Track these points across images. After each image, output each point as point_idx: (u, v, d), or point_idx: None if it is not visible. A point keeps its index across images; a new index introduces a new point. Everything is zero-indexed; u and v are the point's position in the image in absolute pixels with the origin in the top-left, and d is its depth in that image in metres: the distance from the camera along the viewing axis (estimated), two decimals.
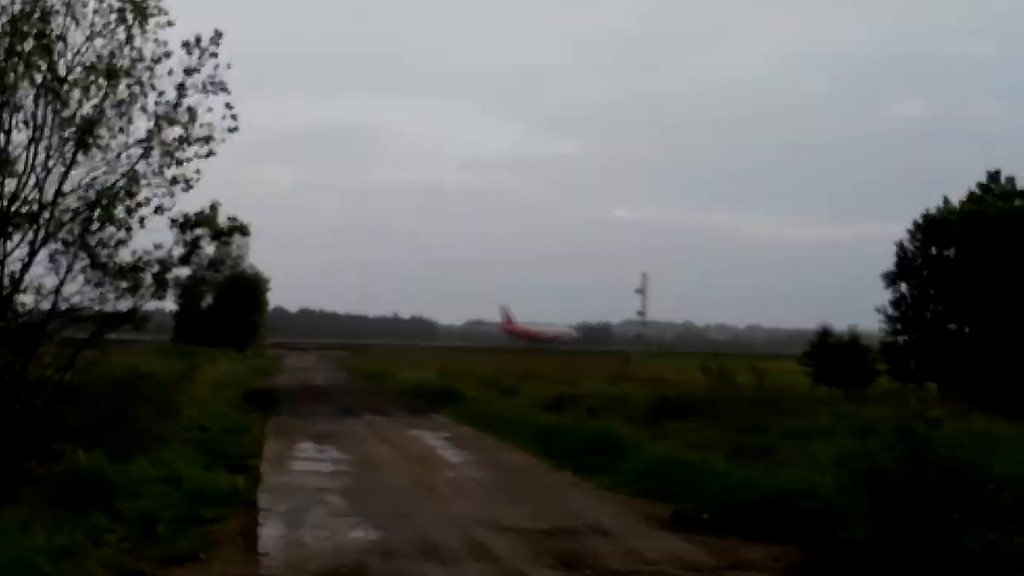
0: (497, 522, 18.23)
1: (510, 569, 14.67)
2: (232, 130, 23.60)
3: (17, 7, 22.40)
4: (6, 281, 22.45)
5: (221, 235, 24.01)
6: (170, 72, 23.44)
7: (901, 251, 48.82)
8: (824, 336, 52.83)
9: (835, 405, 36.14)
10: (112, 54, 23.07)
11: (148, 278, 23.29)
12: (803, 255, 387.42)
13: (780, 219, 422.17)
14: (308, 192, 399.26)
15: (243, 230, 24.62)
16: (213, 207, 23.89)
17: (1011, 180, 49.12)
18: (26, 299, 22.99)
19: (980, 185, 48.99)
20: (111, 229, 23.19)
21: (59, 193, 22.70)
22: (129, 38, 23.16)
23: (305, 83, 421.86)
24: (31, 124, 22.58)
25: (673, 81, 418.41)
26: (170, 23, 23.44)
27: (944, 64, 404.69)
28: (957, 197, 49.00)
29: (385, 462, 26.41)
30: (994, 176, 49.34)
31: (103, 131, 23.01)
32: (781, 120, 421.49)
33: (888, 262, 49.13)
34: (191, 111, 23.50)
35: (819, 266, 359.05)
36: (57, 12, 22.59)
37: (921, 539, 13.92)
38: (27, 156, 22.57)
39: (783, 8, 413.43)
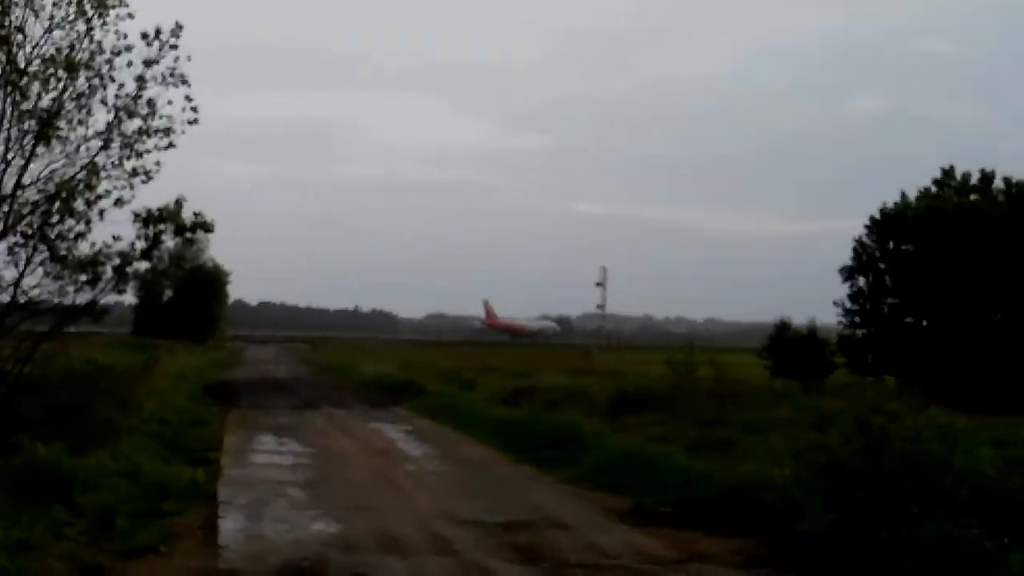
0: (457, 515, 18.28)
1: (470, 562, 14.71)
2: (192, 122, 23.51)
3: None
4: None
5: (185, 231, 23.90)
6: (130, 64, 23.33)
7: (859, 245, 49.14)
8: (782, 329, 53.00)
9: (793, 398, 36.34)
10: (71, 46, 22.93)
11: (108, 271, 23.15)
12: (762, 249, 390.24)
13: (740, 213, 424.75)
14: (271, 186, 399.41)
15: (207, 226, 24.50)
16: (178, 202, 23.77)
17: (967, 176, 49.53)
18: None
19: (935, 181, 49.39)
20: (71, 222, 23.05)
21: (18, 185, 22.53)
22: (88, 30, 23.01)
23: (269, 77, 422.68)
24: None
25: (636, 77, 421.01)
26: (130, 15, 23.30)
27: (904, 61, 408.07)
28: (916, 192, 49.41)
29: (346, 455, 26.40)
30: (949, 172, 49.73)
31: (63, 123, 22.90)
32: (742, 116, 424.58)
33: (846, 256, 49.47)
34: (151, 103, 23.39)
35: (778, 260, 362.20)
36: (16, 4, 22.43)
37: (879, 532, 14.04)
38: None
39: (746, 5, 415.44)
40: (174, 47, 23.33)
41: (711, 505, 18.70)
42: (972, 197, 47.13)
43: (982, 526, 13.32)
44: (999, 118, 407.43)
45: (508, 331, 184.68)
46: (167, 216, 23.49)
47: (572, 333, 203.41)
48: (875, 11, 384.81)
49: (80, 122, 23.21)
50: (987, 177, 49.24)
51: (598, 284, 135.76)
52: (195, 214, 24.13)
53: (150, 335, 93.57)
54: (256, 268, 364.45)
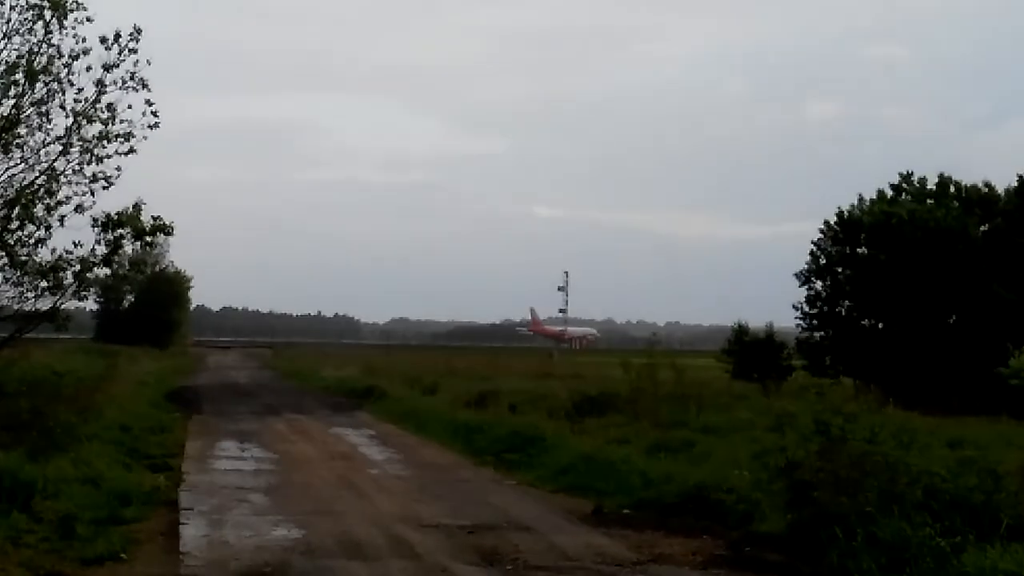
0: (419, 519, 18.33)
1: (432, 565, 14.77)
2: (153, 127, 23.53)
3: None
4: None
5: (144, 235, 23.85)
6: (89, 68, 23.35)
7: (816, 249, 49.52)
8: (740, 333, 53.35)
9: (753, 400, 36.56)
10: (30, 51, 22.92)
11: (69, 277, 23.12)
12: (723, 252, 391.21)
13: (700, 217, 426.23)
14: (230, 190, 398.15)
15: (166, 229, 24.45)
16: (136, 206, 23.72)
17: (923, 181, 50.01)
18: None
19: (893, 186, 49.84)
20: (31, 228, 23.03)
21: None
22: (47, 34, 23.02)
23: (226, 81, 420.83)
24: None
25: (595, 81, 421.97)
26: (88, 19, 23.32)
27: (859, 66, 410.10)
28: (872, 197, 49.84)
29: (308, 460, 26.39)
30: (906, 177, 50.18)
31: (22, 129, 22.86)
32: (700, 120, 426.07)
33: (805, 260, 49.84)
34: (111, 108, 23.41)
35: (738, 263, 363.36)
36: None
37: (836, 531, 14.17)
38: None
39: (702, 10, 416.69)
40: (134, 51, 23.36)
41: (671, 506, 18.90)
42: (928, 202, 47.53)
43: (936, 525, 13.47)
44: (951, 123, 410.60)
45: (551, 337, 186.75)
46: (126, 220, 23.45)
47: (534, 337, 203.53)
48: (830, 17, 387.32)
49: (39, 127, 23.21)
50: (943, 182, 49.72)
51: (560, 288, 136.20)
52: (154, 218, 24.09)
53: (111, 341, 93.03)
54: (218, 273, 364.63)
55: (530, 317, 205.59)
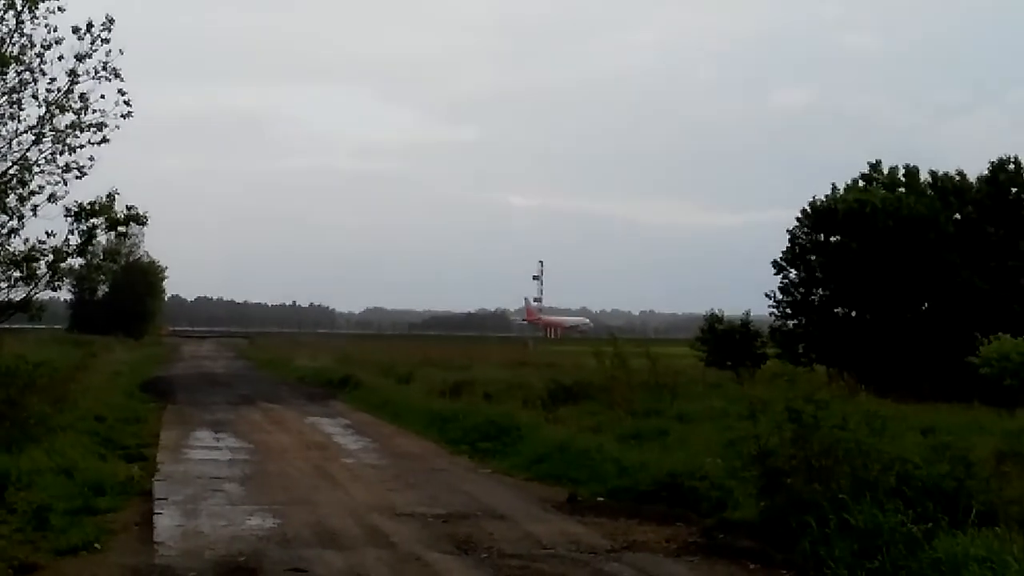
0: (394, 508, 18.35)
1: (407, 554, 14.79)
2: (126, 116, 23.43)
3: None
4: None
5: (118, 224, 23.74)
6: (61, 58, 23.23)
7: (791, 238, 49.68)
8: (714, 321, 53.47)
9: (726, 388, 36.71)
10: (1, 40, 22.81)
11: (42, 267, 23.01)
12: (697, 241, 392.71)
13: (674, 206, 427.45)
14: (205, 179, 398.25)
15: (140, 219, 24.35)
16: (110, 196, 23.60)
17: (893, 170, 50.23)
18: None
19: (863, 175, 50.01)
20: (3, 217, 22.91)
21: None
22: (18, 24, 22.91)
23: (200, 70, 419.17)
24: None
25: (568, 70, 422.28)
26: (60, 8, 23.20)
27: (827, 55, 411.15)
28: (845, 185, 50.05)
29: (283, 450, 26.37)
30: (876, 166, 50.39)
31: None
32: (673, 108, 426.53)
33: (778, 248, 50.00)
34: (83, 97, 23.29)
35: (713, 252, 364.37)
36: None
37: (809, 518, 14.24)
38: None
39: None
40: (106, 41, 23.23)
41: (645, 494, 18.97)
42: (899, 191, 47.74)
43: (908, 512, 13.54)
44: (920, 112, 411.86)
45: (546, 327, 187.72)
46: (100, 210, 23.33)
47: (509, 326, 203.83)
48: (799, 5, 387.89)
49: (12, 117, 23.09)
50: (912, 171, 49.96)
51: (535, 277, 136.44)
52: (128, 207, 23.96)
53: (86, 331, 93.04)
54: (193, 263, 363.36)
55: (524, 306, 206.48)
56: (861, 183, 49.90)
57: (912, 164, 50.68)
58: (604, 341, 36.50)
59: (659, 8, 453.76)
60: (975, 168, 49.82)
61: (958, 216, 48.47)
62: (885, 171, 50.53)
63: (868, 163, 50.78)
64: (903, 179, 50.04)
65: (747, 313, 53.82)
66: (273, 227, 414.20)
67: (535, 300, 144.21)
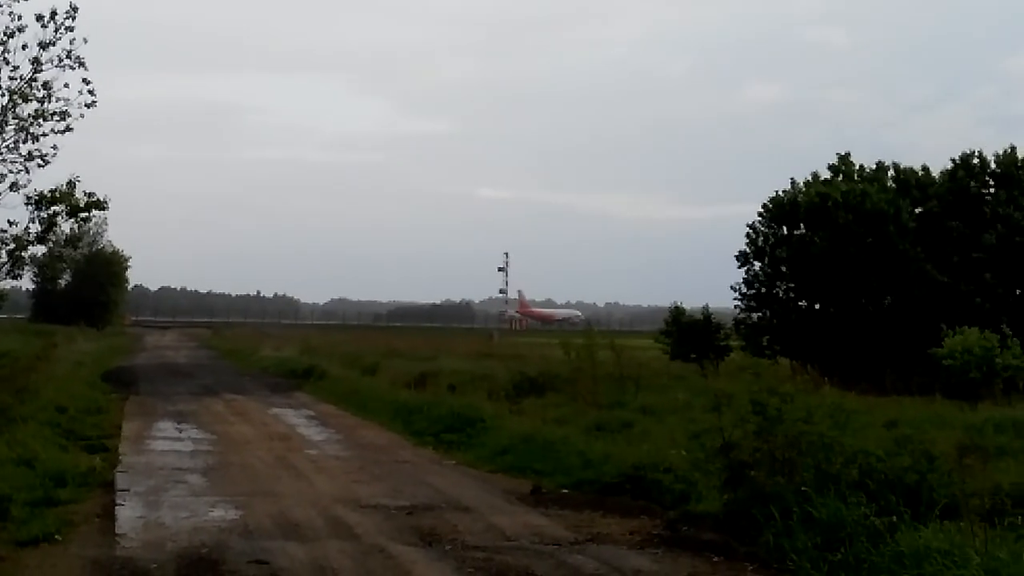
0: (358, 499, 18.32)
1: (371, 546, 14.75)
2: (90, 105, 23.34)
3: None
4: None
5: (79, 211, 23.65)
6: (24, 46, 23.12)
7: (753, 231, 49.78)
8: (678, 314, 53.49)
9: (690, 381, 36.80)
10: None
11: (3, 256, 22.92)
12: (662, 233, 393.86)
13: (640, 198, 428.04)
14: (171, 169, 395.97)
15: (101, 205, 24.27)
16: (70, 183, 23.52)
17: (859, 167, 50.41)
18: None
19: (831, 167, 50.13)
20: None
21: None
22: None
23: (168, 59, 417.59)
24: None
25: (539, 63, 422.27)
26: None
27: (798, 49, 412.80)
28: (805, 179, 50.16)
29: (246, 441, 26.29)
30: (845, 158, 50.52)
31: None
32: (642, 102, 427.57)
33: (743, 241, 50.09)
34: (47, 86, 23.21)
35: (677, 244, 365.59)
36: None
37: (772, 511, 14.27)
38: None
39: None
40: (70, 29, 23.15)
41: (609, 486, 19.02)
42: (861, 186, 47.88)
43: (871, 505, 13.59)
44: (890, 106, 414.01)
45: (538, 319, 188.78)
46: (60, 197, 23.26)
47: (474, 317, 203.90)
48: (770, 1, 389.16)
49: None
50: (880, 165, 50.15)
51: (500, 269, 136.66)
52: (87, 194, 23.90)
53: (48, 321, 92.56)
54: (156, 253, 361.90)
55: (517, 298, 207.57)
56: (829, 175, 49.98)
57: (877, 159, 50.94)
58: (575, 333, 36.56)
59: (633, 3, 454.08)
60: (944, 163, 50.07)
61: (920, 210, 48.66)
62: (855, 164, 50.67)
63: (837, 155, 50.82)
64: (870, 172, 50.18)
65: (706, 306, 53.89)
66: (239, 217, 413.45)
67: (500, 291, 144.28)
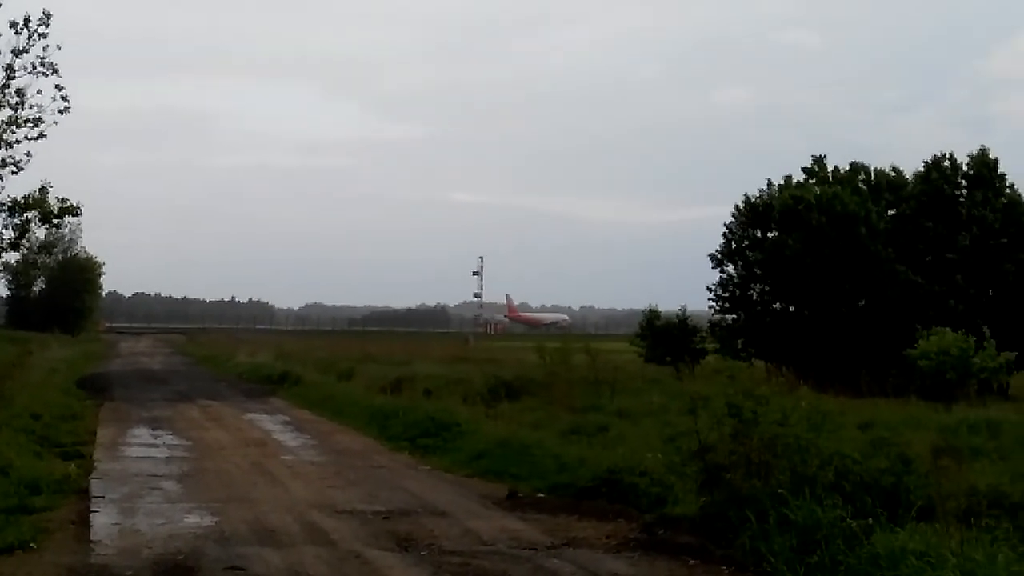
0: (334, 505, 18.28)
1: (347, 552, 14.72)
2: (63, 112, 23.28)
3: None
4: None
5: (52, 217, 23.60)
6: None
7: (728, 232, 49.90)
8: (653, 317, 53.57)
9: (666, 384, 36.84)
10: None
11: None
12: (636, 236, 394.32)
13: (614, 202, 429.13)
14: (144, 175, 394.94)
15: (74, 211, 24.23)
16: (43, 189, 23.47)
17: (834, 168, 50.63)
18: None
19: (805, 169, 50.32)
20: None
21: None
22: None
23: (140, 66, 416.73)
24: None
25: (510, 66, 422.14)
26: None
27: (770, 52, 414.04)
28: (780, 181, 50.35)
29: (221, 447, 26.21)
30: (819, 160, 50.73)
31: None
32: (614, 105, 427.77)
33: (717, 244, 50.22)
34: (20, 93, 23.15)
35: (652, 247, 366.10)
36: None
37: (748, 514, 14.29)
38: None
39: None
40: (43, 36, 23.11)
41: (585, 490, 19.00)
42: (835, 188, 48.07)
43: (847, 507, 13.63)
44: (865, 109, 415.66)
45: (526, 323, 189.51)
46: (33, 203, 23.20)
47: (449, 322, 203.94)
48: (742, 3, 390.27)
49: None
50: (854, 166, 50.36)
51: (475, 273, 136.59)
52: (60, 200, 23.88)
53: (21, 327, 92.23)
54: (130, 259, 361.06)
55: (507, 303, 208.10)
56: (803, 178, 50.19)
57: (852, 160, 51.19)
58: (547, 337, 36.59)
59: (602, 6, 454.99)
60: (917, 165, 50.34)
61: (893, 212, 48.88)
62: (829, 167, 50.89)
63: (811, 157, 51.12)
64: (844, 174, 50.40)
65: (683, 308, 54.00)
66: (212, 223, 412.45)
67: (475, 295, 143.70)
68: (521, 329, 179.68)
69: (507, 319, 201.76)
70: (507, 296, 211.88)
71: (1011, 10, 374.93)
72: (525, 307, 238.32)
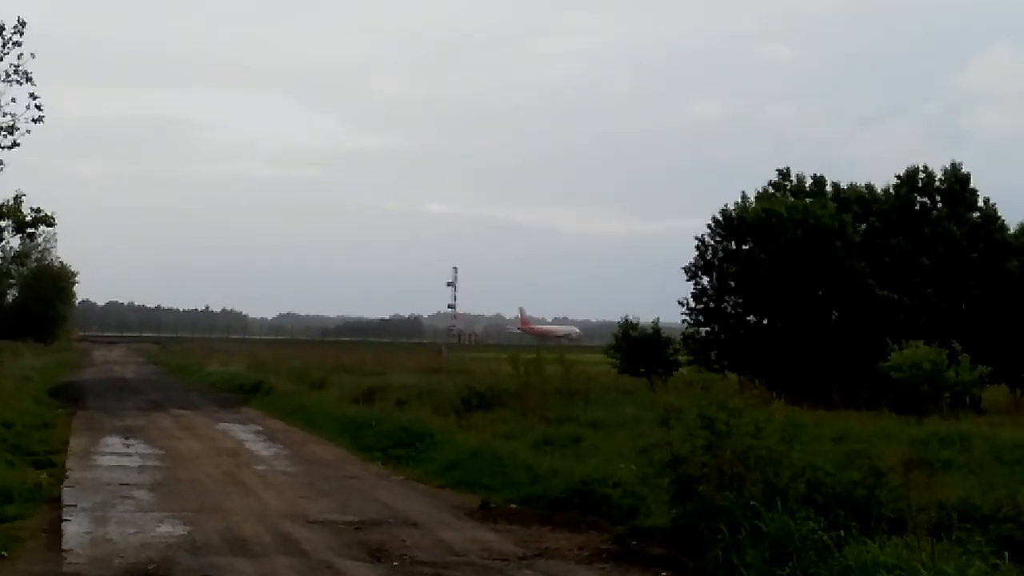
0: (306, 515, 18.25)
1: (319, 562, 14.70)
2: (37, 120, 23.22)
3: None
4: None
5: (25, 226, 23.51)
6: None
7: (701, 245, 49.99)
8: (627, 328, 53.61)
9: (639, 395, 36.88)
10: None
11: None
12: (611, 248, 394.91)
13: (589, 213, 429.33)
14: (118, 184, 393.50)
15: (48, 221, 24.15)
16: (16, 198, 23.39)
17: (800, 178, 50.84)
18: None
19: (772, 183, 50.51)
20: None
21: None
22: None
23: (114, 75, 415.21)
24: None
25: (485, 78, 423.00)
26: None
27: (743, 65, 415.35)
28: (756, 193, 50.51)
29: (194, 456, 26.14)
30: (785, 173, 50.94)
31: None
32: (589, 117, 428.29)
33: (691, 256, 50.29)
34: None
35: (626, 259, 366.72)
36: None
37: (720, 526, 14.32)
38: None
39: (589, 7, 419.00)
40: (17, 44, 23.04)
41: (558, 501, 19.01)
42: (806, 200, 48.25)
43: (820, 519, 13.67)
44: (835, 122, 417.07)
45: (538, 335, 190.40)
46: (7, 212, 23.11)
47: (423, 332, 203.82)
48: (714, 16, 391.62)
49: None
50: (819, 180, 50.62)
51: (449, 284, 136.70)
52: (34, 209, 23.78)
53: None
54: (104, 268, 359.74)
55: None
56: (771, 190, 50.38)
57: (819, 174, 51.44)
58: (521, 347, 36.60)
59: (578, 19, 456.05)
60: (889, 179, 50.57)
61: (863, 226, 49.03)
62: (794, 179, 51.09)
63: (777, 170, 51.40)
64: (811, 188, 50.63)
65: (657, 320, 54.11)
66: (187, 232, 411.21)
67: (448, 306, 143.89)
68: (494, 340, 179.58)
69: (520, 331, 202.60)
70: (520, 309, 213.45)
71: (984, 24, 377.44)
72: (498, 318, 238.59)
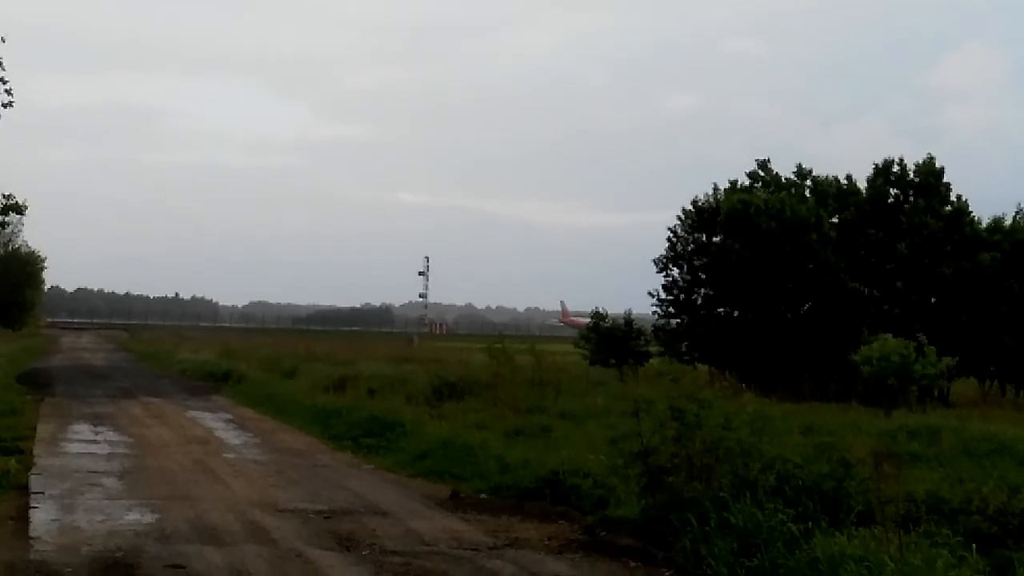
0: (276, 504, 18.22)
1: (288, 550, 14.67)
2: (7, 105, 23.07)
3: None
4: None
5: None
6: None
7: (672, 237, 50.04)
8: (598, 319, 53.65)
9: (610, 386, 36.93)
10: None
11: None
12: (584, 240, 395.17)
13: (562, 205, 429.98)
14: (89, 172, 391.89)
15: (18, 208, 24.01)
16: None
17: (776, 174, 50.88)
18: None
19: (749, 174, 50.53)
20: None
21: None
22: None
23: (85, 62, 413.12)
24: None
25: (459, 69, 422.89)
26: None
27: (716, 60, 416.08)
28: (726, 186, 50.54)
29: (163, 444, 26.07)
30: (763, 165, 50.96)
31: None
32: (563, 109, 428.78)
33: (663, 248, 50.33)
34: None
35: (598, 250, 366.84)
36: None
37: (690, 516, 14.35)
38: None
39: (567, 2, 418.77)
40: None
41: (528, 491, 19.03)
42: (781, 194, 48.28)
43: (789, 511, 13.71)
44: (811, 117, 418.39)
45: (577, 327, 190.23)
46: None
47: (394, 321, 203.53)
48: (690, 11, 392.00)
49: None
50: (801, 173, 50.64)
51: (421, 273, 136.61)
52: (4, 196, 23.63)
53: None
54: (73, 254, 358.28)
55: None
56: (748, 181, 50.44)
57: (798, 164, 51.49)
58: (492, 338, 36.60)
59: (554, 11, 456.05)
60: (861, 174, 50.63)
61: (837, 219, 49.13)
62: (773, 171, 51.16)
63: (756, 161, 51.40)
64: (789, 180, 50.69)
65: (629, 312, 54.15)
66: (158, 219, 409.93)
67: (420, 296, 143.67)
68: (465, 330, 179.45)
69: (561, 323, 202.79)
70: (561, 302, 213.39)
71: (956, 22, 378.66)
72: (471, 308, 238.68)
